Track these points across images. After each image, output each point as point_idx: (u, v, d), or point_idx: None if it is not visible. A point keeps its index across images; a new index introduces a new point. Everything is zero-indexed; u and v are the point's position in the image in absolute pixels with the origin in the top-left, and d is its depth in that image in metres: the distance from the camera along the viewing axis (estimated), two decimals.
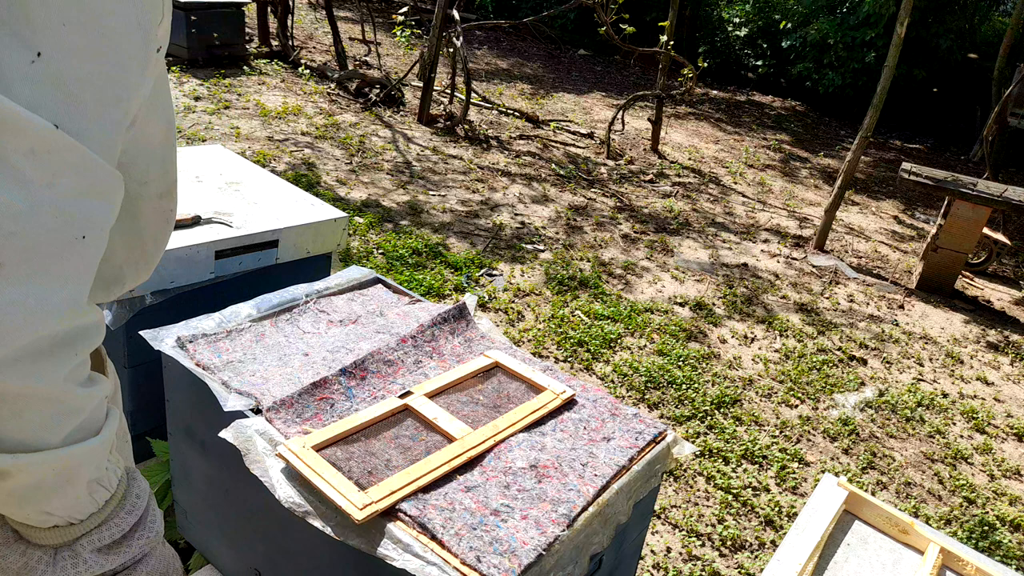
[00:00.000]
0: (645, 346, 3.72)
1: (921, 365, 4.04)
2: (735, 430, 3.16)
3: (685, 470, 2.88)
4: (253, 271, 2.01)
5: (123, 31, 0.64)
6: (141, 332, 1.55)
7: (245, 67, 7.32)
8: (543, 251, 4.65)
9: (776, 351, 3.92)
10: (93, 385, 0.68)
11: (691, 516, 2.65)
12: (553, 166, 6.37)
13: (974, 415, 3.61)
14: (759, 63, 11.64)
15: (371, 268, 2.58)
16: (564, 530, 1.19)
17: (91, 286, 0.82)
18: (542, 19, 9.39)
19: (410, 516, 1.17)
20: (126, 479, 0.76)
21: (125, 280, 0.89)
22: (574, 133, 7.55)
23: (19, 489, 0.63)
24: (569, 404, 1.53)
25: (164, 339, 1.52)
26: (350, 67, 7.61)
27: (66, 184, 0.60)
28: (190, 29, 6.70)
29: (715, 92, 11.15)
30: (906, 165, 5.17)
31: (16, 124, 0.55)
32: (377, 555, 1.12)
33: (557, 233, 4.97)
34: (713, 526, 2.63)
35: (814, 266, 5.19)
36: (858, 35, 9.89)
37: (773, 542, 2.61)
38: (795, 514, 2.74)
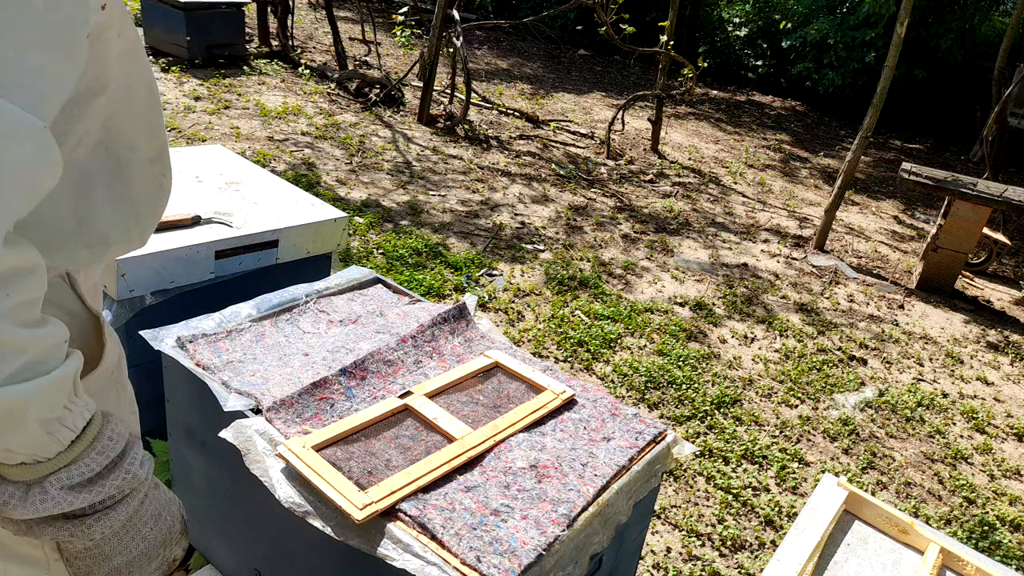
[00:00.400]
0: (645, 346, 3.72)
1: (921, 365, 4.04)
2: (735, 430, 3.16)
3: (685, 470, 2.88)
4: (253, 271, 2.01)
5: None
6: (141, 332, 1.55)
7: (245, 67, 7.32)
8: (543, 251, 4.65)
9: (776, 351, 3.92)
10: (41, 327, 0.69)
11: (691, 516, 2.65)
12: (553, 166, 6.37)
13: (974, 415, 3.61)
14: (759, 63, 11.64)
15: (371, 268, 2.58)
16: (564, 530, 1.19)
17: (66, 247, 0.85)
18: (542, 19, 9.38)
19: (410, 516, 1.17)
20: (100, 421, 0.77)
21: (110, 242, 0.91)
22: (574, 133, 7.55)
23: None
24: (569, 404, 1.53)
25: (164, 339, 1.52)
26: (350, 67, 7.61)
27: None
28: (190, 29, 6.70)
29: (715, 92, 11.15)
30: (906, 165, 5.17)
31: None
32: (377, 555, 1.12)
33: (557, 233, 4.97)
34: (713, 526, 2.63)
35: (814, 266, 5.19)
36: (858, 35, 9.89)
37: (773, 542, 2.61)
38: (795, 514, 2.74)
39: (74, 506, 0.74)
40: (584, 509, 1.25)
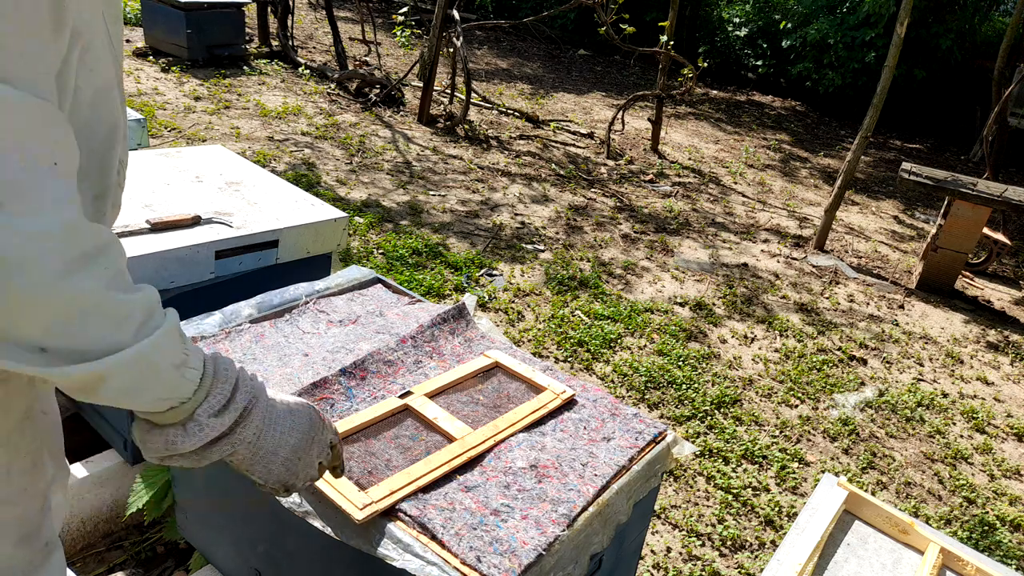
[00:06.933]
0: (645, 346, 3.72)
1: (921, 365, 4.04)
2: (735, 430, 3.16)
3: (685, 470, 2.88)
4: (253, 271, 2.01)
5: None
6: None
7: (245, 67, 7.32)
8: (543, 251, 4.65)
9: (776, 351, 3.92)
10: (137, 291, 0.79)
11: (691, 516, 2.65)
12: (553, 166, 6.37)
13: (974, 415, 3.61)
14: (759, 63, 11.64)
15: (371, 268, 2.58)
16: (564, 530, 1.19)
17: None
18: (542, 19, 9.38)
19: (410, 516, 1.17)
20: (212, 361, 0.92)
21: None
22: (574, 133, 7.55)
23: (123, 387, 0.77)
24: (569, 404, 1.53)
25: None
26: (350, 67, 7.61)
27: (8, 129, 0.64)
28: (190, 29, 6.70)
29: (715, 92, 11.15)
30: (906, 165, 5.17)
31: None
32: (377, 555, 1.12)
33: (557, 233, 4.97)
34: (713, 526, 2.63)
35: (814, 266, 5.19)
36: (858, 35, 9.88)
37: (773, 542, 2.61)
38: (795, 514, 2.74)
39: (225, 427, 0.90)
40: (584, 509, 1.25)
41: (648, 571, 2.40)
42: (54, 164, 0.68)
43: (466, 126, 6.87)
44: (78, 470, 2.01)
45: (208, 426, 0.88)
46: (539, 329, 3.68)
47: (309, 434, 1.01)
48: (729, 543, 2.57)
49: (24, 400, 1.01)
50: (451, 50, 6.76)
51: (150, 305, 0.80)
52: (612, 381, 3.37)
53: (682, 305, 4.25)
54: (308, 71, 7.56)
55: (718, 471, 2.89)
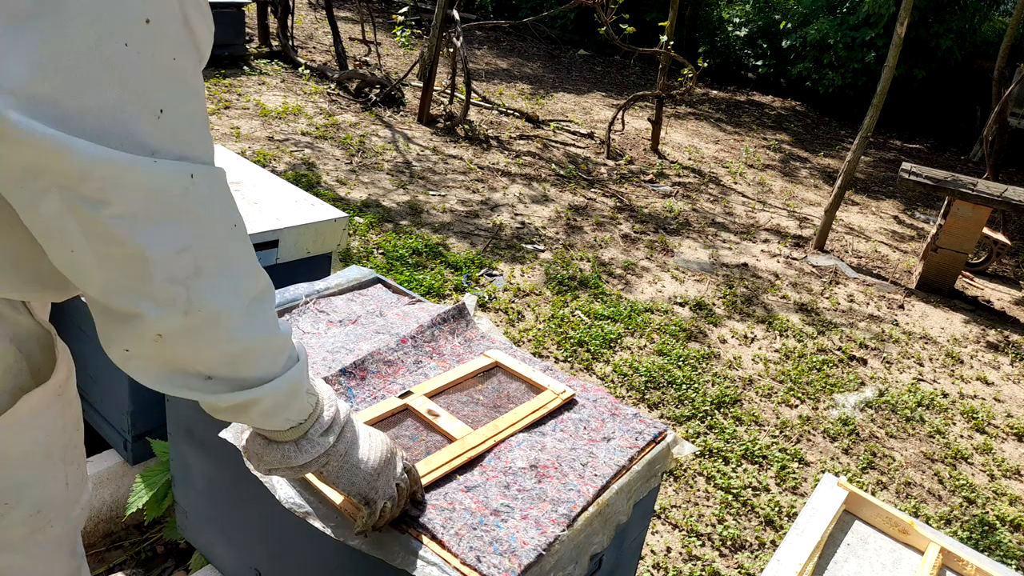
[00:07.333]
0: (645, 346, 3.72)
1: (921, 365, 4.04)
2: (735, 430, 3.16)
3: (685, 470, 2.88)
4: None
5: (187, 61, 0.73)
6: None
7: (245, 67, 7.32)
8: (543, 251, 4.65)
9: (776, 351, 3.92)
10: (284, 326, 0.89)
11: (691, 516, 2.65)
12: (553, 166, 6.37)
13: (974, 415, 3.61)
14: (759, 63, 11.64)
15: (371, 268, 2.58)
16: (564, 530, 1.19)
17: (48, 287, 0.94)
18: (542, 19, 9.38)
19: (410, 516, 1.17)
20: (319, 384, 1.02)
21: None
22: (574, 133, 7.55)
23: (267, 410, 0.88)
24: (569, 404, 1.53)
25: None
26: (350, 67, 7.61)
27: (211, 203, 0.75)
28: None
29: (715, 92, 11.15)
30: (906, 165, 5.17)
31: (164, 180, 0.69)
32: (377, 555, 1.12)
33: (557, 233, 4.97)
34: (713, 526, 2.63)
35: (814, 266, 5.19)
36: (858, 35, 9.88)
37: (773, 542, 2.61)
38: (795, 514, 2.74)
39: (330, 445, 0.99)
40: (584, 509, 1.25)
41: (648, 571, 2.40)
42: (234, 226, 0.78)
43: (466, 126, 6.87)
44: None
45: (318, 444, 0.98)
46: (539, 329, 3.68)
47: (386, 455, 1.09)
48: (729, 543, 2.57)
49: (75, 412, 1.02)
50: (451, 50, 6.76)
51: (290, 338, 0.90)
52: (612, 381, 3.37)
53: (682, 305, 4.25)
54: (308, 71, 7.56)
55: (718, 471, 2.89)
